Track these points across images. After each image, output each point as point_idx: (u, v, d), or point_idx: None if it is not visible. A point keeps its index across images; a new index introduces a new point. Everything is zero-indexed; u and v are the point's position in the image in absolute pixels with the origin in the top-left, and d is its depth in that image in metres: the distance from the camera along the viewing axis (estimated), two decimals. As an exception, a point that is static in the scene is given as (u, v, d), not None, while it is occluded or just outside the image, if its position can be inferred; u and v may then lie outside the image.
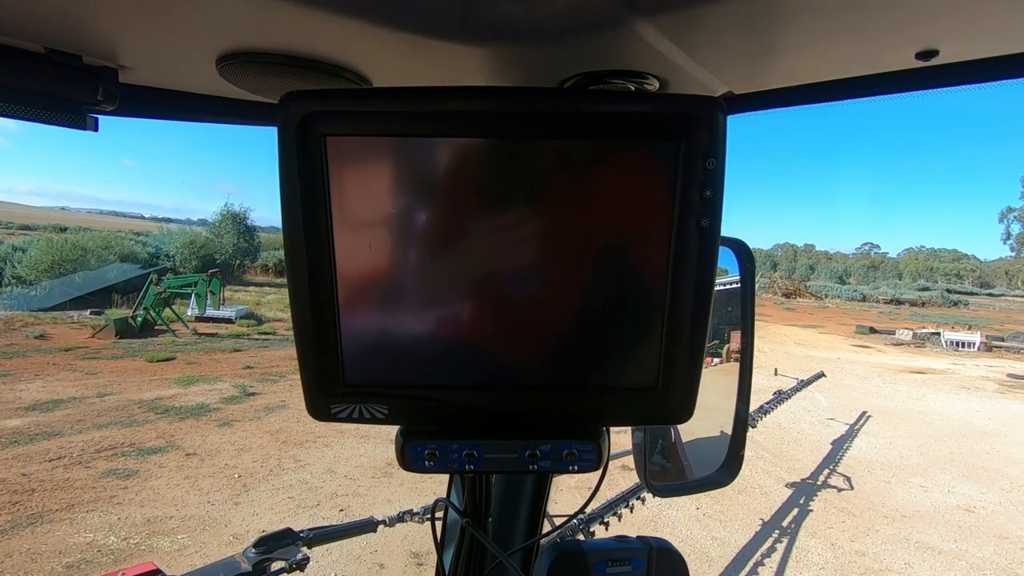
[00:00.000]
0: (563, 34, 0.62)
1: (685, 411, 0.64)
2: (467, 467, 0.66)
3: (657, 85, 0.74)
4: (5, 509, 6.18)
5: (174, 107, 0.89)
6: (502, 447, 0.67)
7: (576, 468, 0.66)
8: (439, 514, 0.96)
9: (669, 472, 1.36)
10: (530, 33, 0.63)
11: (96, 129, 0.78)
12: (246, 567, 1.83)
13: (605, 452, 0.68)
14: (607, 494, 5.24)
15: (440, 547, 0.97)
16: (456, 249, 0.60)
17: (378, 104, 0.57)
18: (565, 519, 0.84)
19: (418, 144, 0.58)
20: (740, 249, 1.19)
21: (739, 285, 1.21)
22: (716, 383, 1.26)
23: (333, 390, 0.64)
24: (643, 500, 5.14)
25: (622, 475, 6.99)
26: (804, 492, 7.90)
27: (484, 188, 0.59)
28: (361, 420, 0.64)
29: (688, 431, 1.36)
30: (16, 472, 7.12)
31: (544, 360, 0.64)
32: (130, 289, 21.32)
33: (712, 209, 0.58)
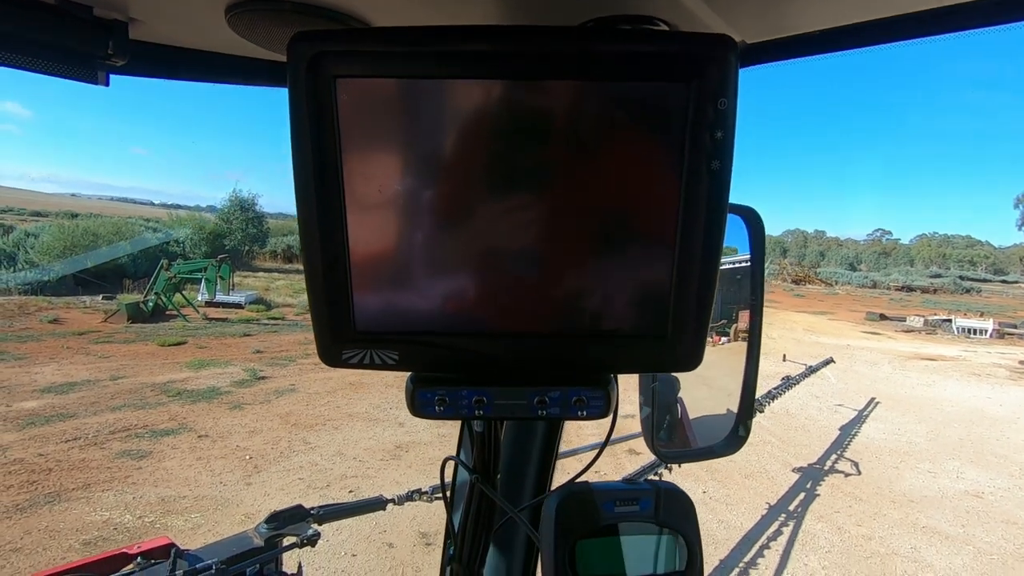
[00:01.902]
0: None
1: (694, 358, 0.64)
2: (476, 412, 0.67)
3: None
4: (24, 488, 6.32)
5: (184, 65, 0.89)
6: (511, 394, 0.67)
7: (584, 414, 0.66)
8: (448, 473, 0.97)
9: (674, 444, 1.37)
10: None
11: (107, 83, 0.79)
12: (258, 542, 1.86)
13: (614, 399, 0.68)
14: (612, 477, 5.28)
15: (450, 505, 0.98)
16: (467, 193, 0.60)
17: (391, 44, 0.57)
18: (576, 474, 0.85)
19: (430, 86, 0.57)
20: (750, 216, 1.17)
21: (748, 263, 1.20)
22: (724, 362, 1.25)
23: (344, 336, 0.64)
24: (650, 482, 5.16)
25: (628, 459, 7.04)
26: (811, 477, 7.91)
27: (493, 132, 0.59)
28: (372, 366, 0.65)
29: (696, 408, 1.36)
30: (33, 452, 7.27)
31: (554, 307, 0.63)
32: (141, 274, 21.52)
33: (723, 152, 0.58)
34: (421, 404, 0.67)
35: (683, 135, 0.57)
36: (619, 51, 0.56)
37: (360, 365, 0.65)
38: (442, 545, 1.08)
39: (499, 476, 0.89)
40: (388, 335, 0.64)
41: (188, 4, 0.73)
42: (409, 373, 0.69)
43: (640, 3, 0.67)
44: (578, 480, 0.79)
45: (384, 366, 0.65)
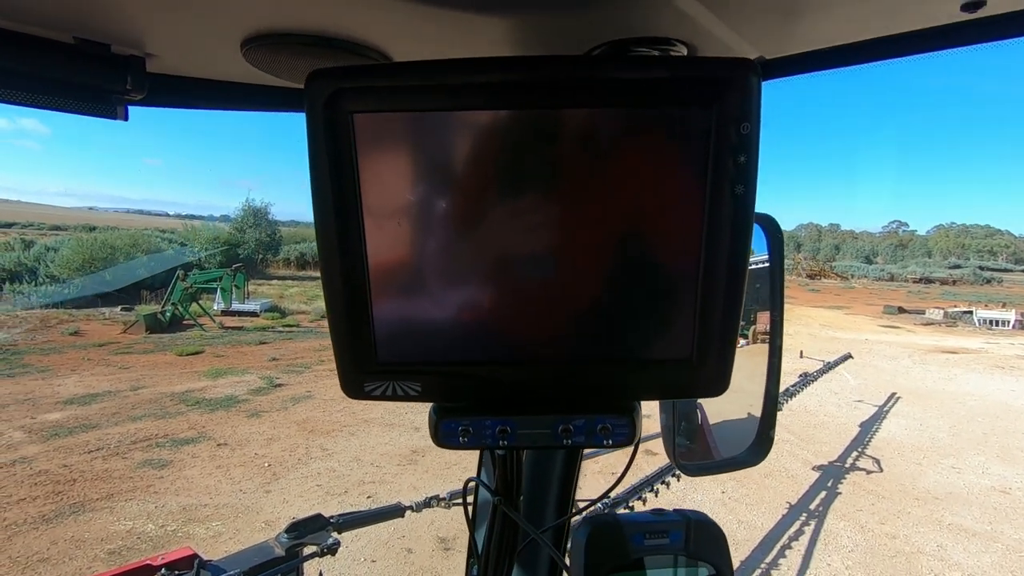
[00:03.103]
0: (588, 0, 0.61)
1: (720, 383, 0.63)
2: (500, 443, 0.66)
3: (685, 52, 0.72)
4: (49, 499, 6.44)
5: (201, 95, 0.90)
6: (535, 423, 0.66)
7: (610, 443, 0.65)
8: (470, 494, 0.96)
9: (696, 453, 1.36)
10: (553, 1, 0.62)
11: (126, 118, 0.80)
12: (279, 552, 1.87)
13: (638, 426, 0.67)
14: (630, 479, 5.25)
15: (472, 526, 0.98)
16: (486, 223, 0.60)
17: (405, 79, 0.57)
18: (598, 497, 0.84)
19: (446, 118, 0.57)
20: (768, 224, 1.16)
21: (766, 264, 1.18)
22: (744, 365, 1.24)
23: (366, 368, 0.64)
24: (667, 484, 5.14)
25: (645, 460, 6.99)
26: (832, 475, 7.80)
27: (511, 161, 0.58)
28: (395, 398, 0.65)
29: (715, 413, 1.35)
30: (58, 463, 7.40)
31: (577, 334, 0.63)
32: (158, 285, 21.83)
33: (747, 176, 0.57)
34: (445, 435, 0.66)
35: (705, 160, 0.56)
36: (637, 78, 0.56)
37: (383, 397, 0.65)
38: (465, 562, 1.08)
39: (521, 498, 0.88)
40: (410, 366, 0.64)
41: (204, 39, 0.73)
42: (431, 404, 0.68)
43: (655, 25, 0.66)
44: (603, 499, 0.78)
45: (407, 397, 0.65)
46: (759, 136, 0.56)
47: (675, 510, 0.67)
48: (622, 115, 0.57)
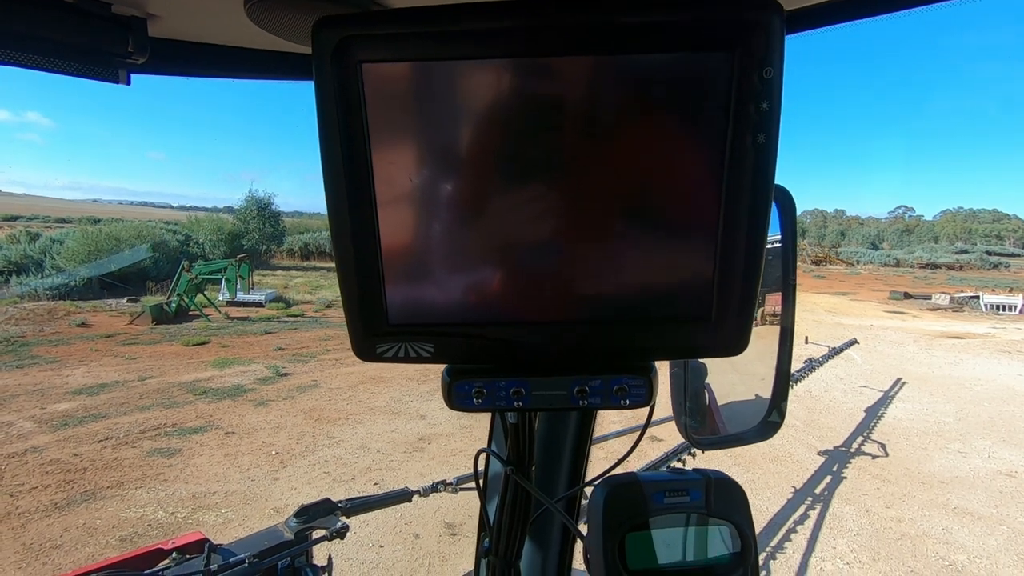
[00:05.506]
0: None
1: (740, 342, 0.62)
2: (515, 404, 0.65)
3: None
4: (61, 487, 6.51)
5: (205, 61, 0.88)
6: (550, 384, 0.65)
7: (627, 403, 0.64)
8: (482, 465, 0.96)
9: (704, 430, 1.35)
10: None
11: (128, 82, 0.78)
12: (288, 536, 1.88)
13: (655, 387, 0.66)
14: (634, 464, 5.27)
15: (484, 497, 0.97)
16: (500, 179, 0.58)
17: (416, 25, 0.55)
18: (613, 463, 0.83)
19: (458, 67, 0.55)
20: (780, 196, 1.14)
21: (778, 244, 1.17)
22: (751, 346, 1.23)
23: (378, 330, 0.63)
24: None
25: (651, 446, 7.01)
26: (837, 460, 7.81)
27: (526, 112, 0.56)
28: (407, 359, 0.63)
29: (723, 395, 1.34)
30: (68, 453, 7.48)
31: (593, 292, 0.61)
32: (163, 276, 21.89)
33: (769, 123, 0.54)
34: (458, 397, 0.65)
35: (726, 107, 0.54)
36: (657, 21, 0.53)
37: (395, 359, 0.63)
38: (476, 537, 1.07)
39: (533, 468, 0.87)
40: (422, 327, 0.63)
41: None
42: (444, 366, 0.67)
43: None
44: (620, 470, 0.77)
45: (419, 359, 0.63)
46: (782, 83, 0.54)
47: (695, 469, 0.66)
48: (639, 61, 0.54)
